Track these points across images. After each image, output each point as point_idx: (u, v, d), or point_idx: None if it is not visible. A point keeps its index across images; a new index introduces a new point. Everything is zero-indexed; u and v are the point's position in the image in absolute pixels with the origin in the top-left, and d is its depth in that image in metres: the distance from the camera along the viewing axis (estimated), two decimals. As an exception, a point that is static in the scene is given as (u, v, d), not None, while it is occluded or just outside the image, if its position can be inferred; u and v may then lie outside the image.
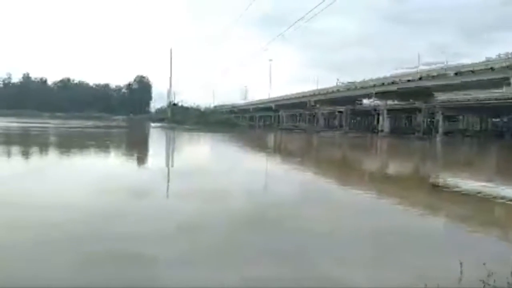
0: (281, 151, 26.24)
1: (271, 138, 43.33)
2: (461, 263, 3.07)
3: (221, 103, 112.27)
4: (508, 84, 31.50)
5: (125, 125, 67.13)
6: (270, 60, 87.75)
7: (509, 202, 8.47)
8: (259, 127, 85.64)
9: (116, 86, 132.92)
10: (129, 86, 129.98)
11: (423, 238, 5.34)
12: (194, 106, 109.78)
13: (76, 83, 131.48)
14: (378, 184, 11.29)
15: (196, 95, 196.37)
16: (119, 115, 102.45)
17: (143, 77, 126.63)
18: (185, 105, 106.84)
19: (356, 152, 28.33)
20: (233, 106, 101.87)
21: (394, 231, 5.67)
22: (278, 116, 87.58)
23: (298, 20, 25.79)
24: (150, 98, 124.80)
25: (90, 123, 63.88)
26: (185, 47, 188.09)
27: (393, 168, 18.17)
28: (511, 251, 4.86)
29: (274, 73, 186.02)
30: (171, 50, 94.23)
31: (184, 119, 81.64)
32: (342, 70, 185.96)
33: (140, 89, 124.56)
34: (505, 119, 65.41)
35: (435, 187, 11.00)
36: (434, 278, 3.26)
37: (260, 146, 29.32)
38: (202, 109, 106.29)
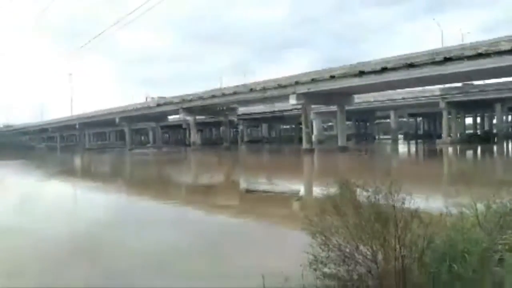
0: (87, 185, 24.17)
1: (74, 163, 39.42)
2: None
3: (6, 123, 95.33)
4: (292, 98, 37.38)
5: None
6: (70, 74, 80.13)
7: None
8: (62, 149, 76.86)
9: None
10: None
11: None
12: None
13: None
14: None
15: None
16: None
17: None
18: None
19: (171, 167, 28.63)
20: (27, 127, 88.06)
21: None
22: (84, 135, 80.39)
23: (99, 35, 24.26)
24: None
25: None
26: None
27: (203, 177, 19.12)
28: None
29: (78, 89, 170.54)
30: None
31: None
32: (153, 85, 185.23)
33: None
34: (293, 126, 77.84)
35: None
36: None
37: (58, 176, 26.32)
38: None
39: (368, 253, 3.09)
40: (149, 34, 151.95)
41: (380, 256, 3.08)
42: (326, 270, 3.36)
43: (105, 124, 73.48)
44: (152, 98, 64.03)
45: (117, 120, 62.50)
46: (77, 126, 73.48)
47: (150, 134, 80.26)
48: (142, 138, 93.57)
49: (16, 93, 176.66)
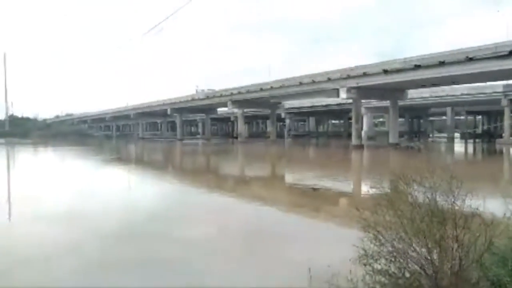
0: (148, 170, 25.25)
1: (131, 151, 41.38)
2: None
3: (72, 112, 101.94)
4: (343, 92, 36.59)
5: None
6: (125, 65, 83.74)
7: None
8: (117, 137, 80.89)
9: None
10: None
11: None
12: (40, 117, 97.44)
13: None
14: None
15: (44, 105, 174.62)
16: None
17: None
18: (30, 116, 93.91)
19: (224, 158, 29.23)
20: (87, 116, 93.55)
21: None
22: (138, 124, 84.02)
23: (154, 27, 25.22)
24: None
25: None
26: (27, 52, 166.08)
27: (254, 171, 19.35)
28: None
29: (132, 80, 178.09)
30: (4, 54, 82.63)
31: (27, 132, 72.35)
32: (203, 77, 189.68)
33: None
34: (342, 121, 76.31)
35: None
36: None
37: (118, 162, 27.71)
38: (48, 121, 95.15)
39: (423, 250, 2.99)
40: (198, 25, 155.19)
41: (435, 255, 2.97)
42: (376, 266, 3.30)
43: (157, 115, 76.24)
44: (202, 90, 65.45)
45: (169, 111, 64.63)
46: (132, 116, 76.92)
47: (200, 125, 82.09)
48: (192, 129, 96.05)
49: (76, 84, 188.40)
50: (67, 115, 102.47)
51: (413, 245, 3.04)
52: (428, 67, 28.81)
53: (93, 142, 54.62)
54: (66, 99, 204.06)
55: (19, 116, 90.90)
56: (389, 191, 3.45)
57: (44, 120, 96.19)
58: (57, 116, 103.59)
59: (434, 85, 36.88)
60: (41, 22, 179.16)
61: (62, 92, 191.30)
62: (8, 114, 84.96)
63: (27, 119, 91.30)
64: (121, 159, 28.29)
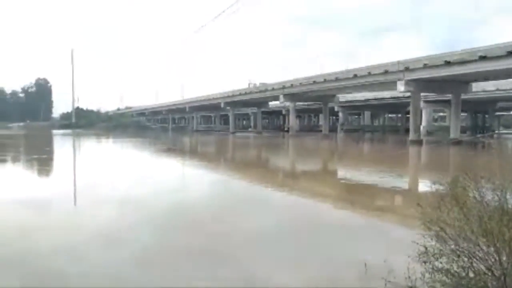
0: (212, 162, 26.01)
1: (186, 143, 42.77)
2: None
3: (131, 105, 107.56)
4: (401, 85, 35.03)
5: (19, 134, 60.16)
6: (180, 61, 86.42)
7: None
8: (173, 130, 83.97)
9: (12, 91, 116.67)
10: (25, 90, 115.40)
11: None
12: (102, 110, 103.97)
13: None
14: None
15: (105, 98, 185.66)
16: (15, 122, 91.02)
17: (41, 80, 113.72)
18: (93, 109, 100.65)
19: (277, 152, 29.42)
20: (145, 108, 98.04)
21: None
22: (193, 117, 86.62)
23: (209, 22, 25.76)
24: (51, 102, 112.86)
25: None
26: (90, 47, 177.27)
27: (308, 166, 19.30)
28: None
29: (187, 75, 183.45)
30: (72, 51, 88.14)
31: (91, 124, 77.68)
32: (256, 71, 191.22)
33: (39, 93, 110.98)
34: (399, 115, 73.24)
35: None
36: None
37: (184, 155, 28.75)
38: (110, 113, 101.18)
39: (491, 250, 2.82)
40: (252, 19, 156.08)
41: (504, 256, 2.79)
42: (436, 264, 3.18)
43: (211, 108, 78.02)
44: (254, 84, 65.87)
45: (222, 104, 65.80)
46: (187, 110, 79.42)
47: (251, 119, 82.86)
48: (244, 122, 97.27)
49: (135, 78, 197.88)
50: (127, 108, 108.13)
51: (480, 244, 2.88)
52: (494, 58, 26.79)
53: (151, 134, 57.17)
54: (126, 92, 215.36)
55: (84, 108, 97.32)
56: (453, 187, 3.29)
57: (106, 112, 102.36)
58: (118, 109, 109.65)
59: (502, 77, 34.28)
60: (102, 19, 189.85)
61: (123, 86, 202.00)
62: (74, 107, 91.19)
63: (91, 111, 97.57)
64: (178, 150, 29.48)
